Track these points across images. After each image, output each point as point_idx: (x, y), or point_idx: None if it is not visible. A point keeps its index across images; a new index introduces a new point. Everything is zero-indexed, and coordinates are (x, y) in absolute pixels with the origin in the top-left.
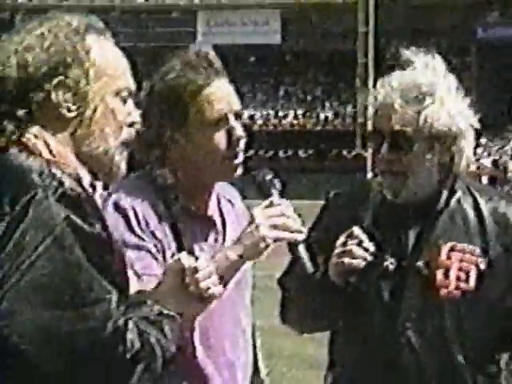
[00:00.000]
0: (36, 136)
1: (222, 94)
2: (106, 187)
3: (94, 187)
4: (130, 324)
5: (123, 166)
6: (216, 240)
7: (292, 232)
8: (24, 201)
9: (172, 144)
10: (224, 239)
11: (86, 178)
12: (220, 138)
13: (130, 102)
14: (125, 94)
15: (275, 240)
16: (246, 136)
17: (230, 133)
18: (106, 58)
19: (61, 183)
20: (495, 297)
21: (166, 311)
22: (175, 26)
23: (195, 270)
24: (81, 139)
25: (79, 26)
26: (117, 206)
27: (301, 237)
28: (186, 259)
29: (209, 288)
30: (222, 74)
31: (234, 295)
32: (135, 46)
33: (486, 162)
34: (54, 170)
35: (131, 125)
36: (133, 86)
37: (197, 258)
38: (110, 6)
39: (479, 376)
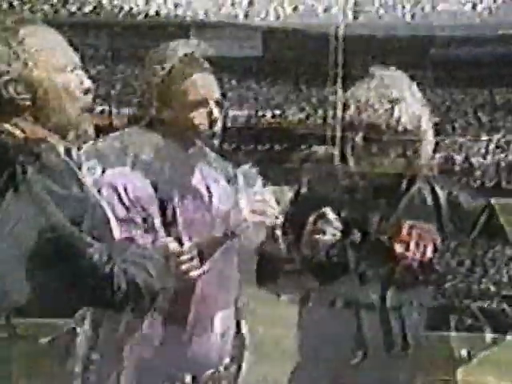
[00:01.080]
0: (7, 122)
1: (205, 82)
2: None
3: (69, 152)
4: (116, 269)
5: (90, 130)
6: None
7: (271, 217)
8: (6, 175)
9: (157, 121)
10: (211, 204)
11: (60, 146)
12: (197, 115)
13: (79, 72)
14: (70, 67)
15: (256, 223)
16: (233, 132)
17: (209, 115)
18: (41, 44)
19: (37, 156)
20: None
21: (148, 253)
22: (171, 39)
23: (180, 254)
24: (43, 117)
25: (11, 24)
26: (111, 186)
27: (278, 221)
28: (172, 244)
29: (189, 270)
30: (207, 70)
31: (224, 268)
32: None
33: (437, 156)
34: (30, 146)
35: (86, 92)
36: (75, 59)
37: (182, 244)
38: (114, 22)
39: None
